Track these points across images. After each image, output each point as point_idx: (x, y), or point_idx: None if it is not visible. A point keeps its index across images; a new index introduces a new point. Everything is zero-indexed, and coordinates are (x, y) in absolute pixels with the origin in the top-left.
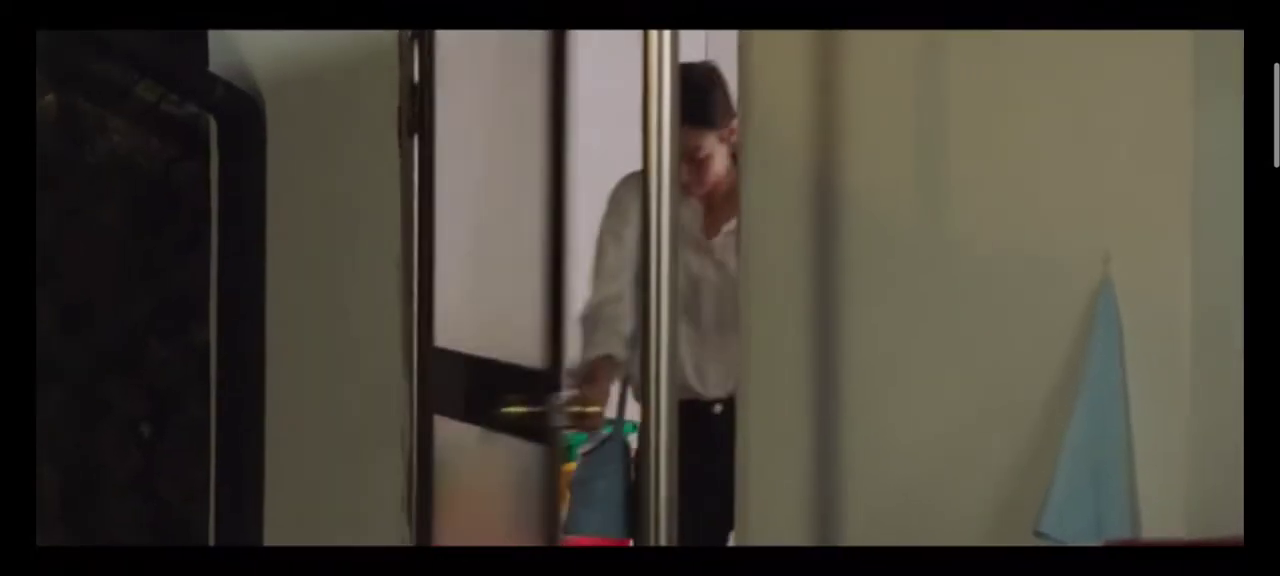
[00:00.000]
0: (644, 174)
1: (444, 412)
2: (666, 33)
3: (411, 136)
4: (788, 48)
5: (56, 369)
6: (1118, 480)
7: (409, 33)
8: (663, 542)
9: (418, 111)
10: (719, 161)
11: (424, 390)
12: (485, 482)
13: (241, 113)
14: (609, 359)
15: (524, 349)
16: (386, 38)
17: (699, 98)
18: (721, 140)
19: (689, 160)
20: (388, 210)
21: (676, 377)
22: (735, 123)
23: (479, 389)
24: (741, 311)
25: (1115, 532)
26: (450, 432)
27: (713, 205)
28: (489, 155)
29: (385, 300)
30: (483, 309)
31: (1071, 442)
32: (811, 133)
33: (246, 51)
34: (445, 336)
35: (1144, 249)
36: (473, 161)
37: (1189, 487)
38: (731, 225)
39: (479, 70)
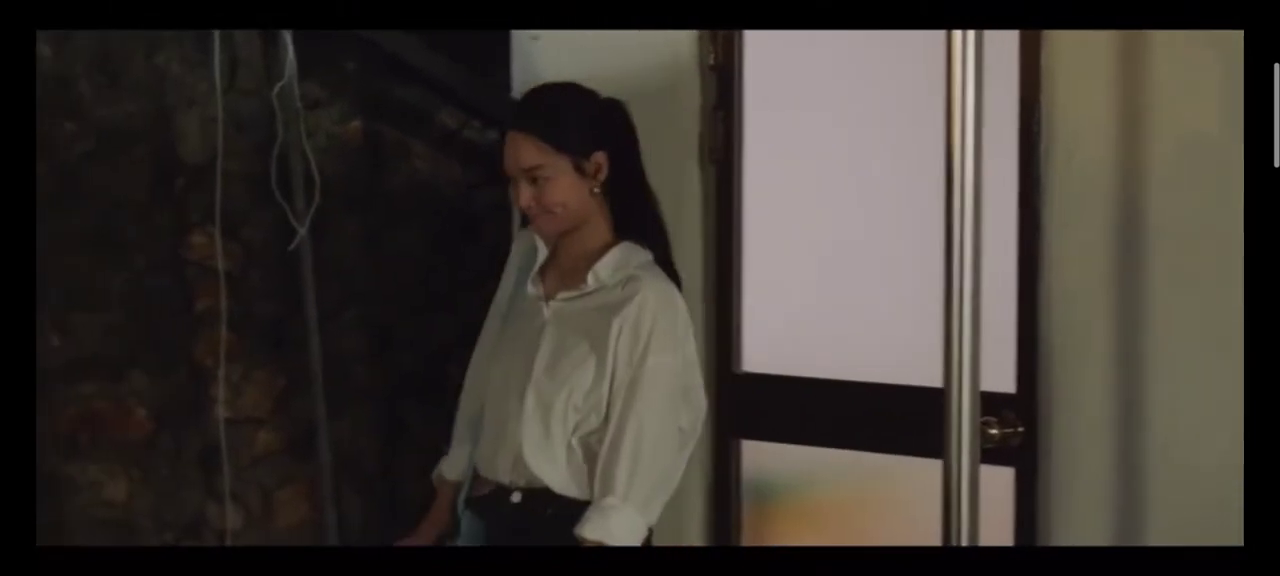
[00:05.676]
0: (947, 183)
1: (754, 436)
2: (971, 33)
3: (712, 165)
4: (1091, 77)
5: (361, 391)
6: None
7: (712, 60)
8: None
9: (720, 139)
10: (563, 190)
11: (723, 415)
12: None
13: None
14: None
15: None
16: (689, 64)
17: (546, 112)
18: (576, 168)
19: (528, 176)
20: (691, 238)
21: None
22: (599, 159)
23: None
24: (1042, 356)
25: None
26: (765, 455)
27: (567, 259)
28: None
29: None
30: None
31: None
32: (1116, 163)
33: (549, 77)
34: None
35: None
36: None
37: None
38: (570, 293)
39: (784, 94)
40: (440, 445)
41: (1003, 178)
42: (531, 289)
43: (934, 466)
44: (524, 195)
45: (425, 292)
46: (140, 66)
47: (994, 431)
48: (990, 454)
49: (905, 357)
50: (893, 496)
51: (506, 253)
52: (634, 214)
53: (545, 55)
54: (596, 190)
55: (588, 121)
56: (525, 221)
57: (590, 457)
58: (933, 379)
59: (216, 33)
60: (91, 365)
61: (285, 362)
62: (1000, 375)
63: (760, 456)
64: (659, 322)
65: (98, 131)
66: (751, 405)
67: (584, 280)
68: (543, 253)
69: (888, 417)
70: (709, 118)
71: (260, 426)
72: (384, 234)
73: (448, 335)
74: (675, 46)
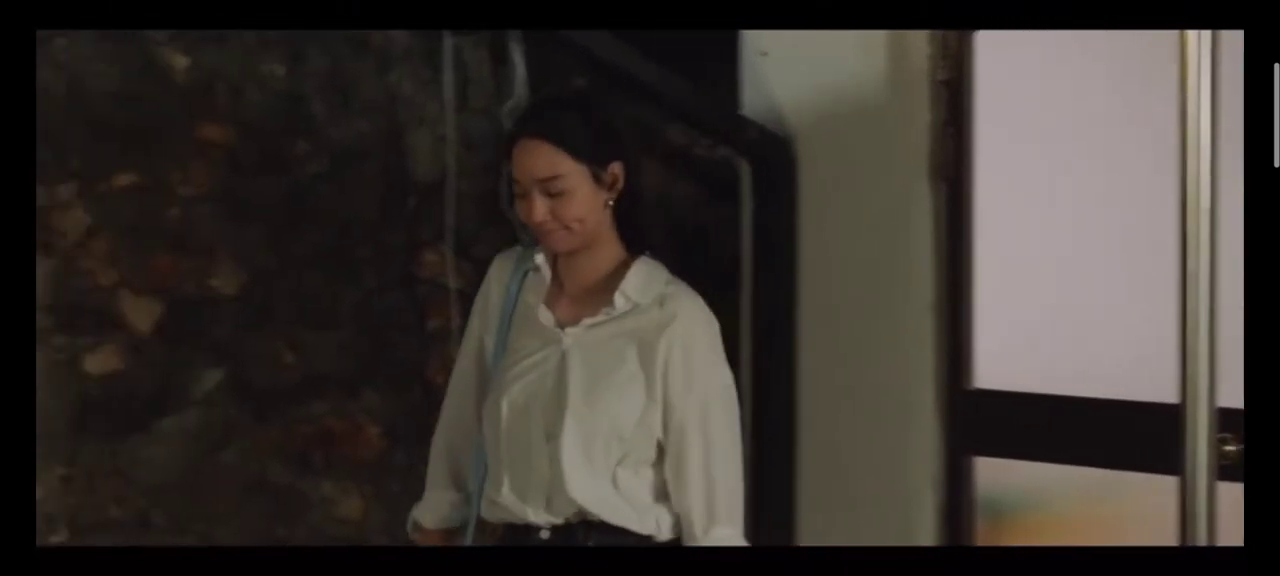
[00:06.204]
0: (1181, 194)
1: (986, 452)
2: (1206, 34)
3: (943, 180)
4: None
5: None
6: None
7: (942, 75)
8: None
9: (950, 155)
10: (582, 203)
11: (955, 432)
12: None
13: (774, 156)
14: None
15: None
16: (919, 80)
17: (563, 118)
18: (594, 178)
19: (544, 187)
20: (920, 254)
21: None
22: (615, 170)
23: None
24: None
25: None
26: (998, 471)
27: (574, 283)
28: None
29: (919, 343)
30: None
31: None
32: None
33: (778, 95)
34: (987, 378)
35: None
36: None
37: None
38: (595, 318)
39: (1014, 109)
40: None
41: (1238, 187)
42: (543, 317)
43: (1170, 483)
44: (539, 209)
45: None
46: (372, 86)
47: (1231, 448)
48: (1227, 470)
49: (1140, 373)
50: (1128, 513)
51: (733, 267)
52: (645, 229)
53: (774, 71)
54: (610, 203)
55: (604, 128)
56: (527, 241)
57: (643, 488)
58: (1168, 394)
59: (447, 46)
60: (324, 383)
61: None
62: (1238, 390)
63: (993, 473)
64: (710, 339)
65: (331, 151)
66: (983, 421)
67: (610, 302)
68: (547, 276)
69: (1123, 433)
70: (938, 134)
71: None
72: None
73: None
74: (904, 62)
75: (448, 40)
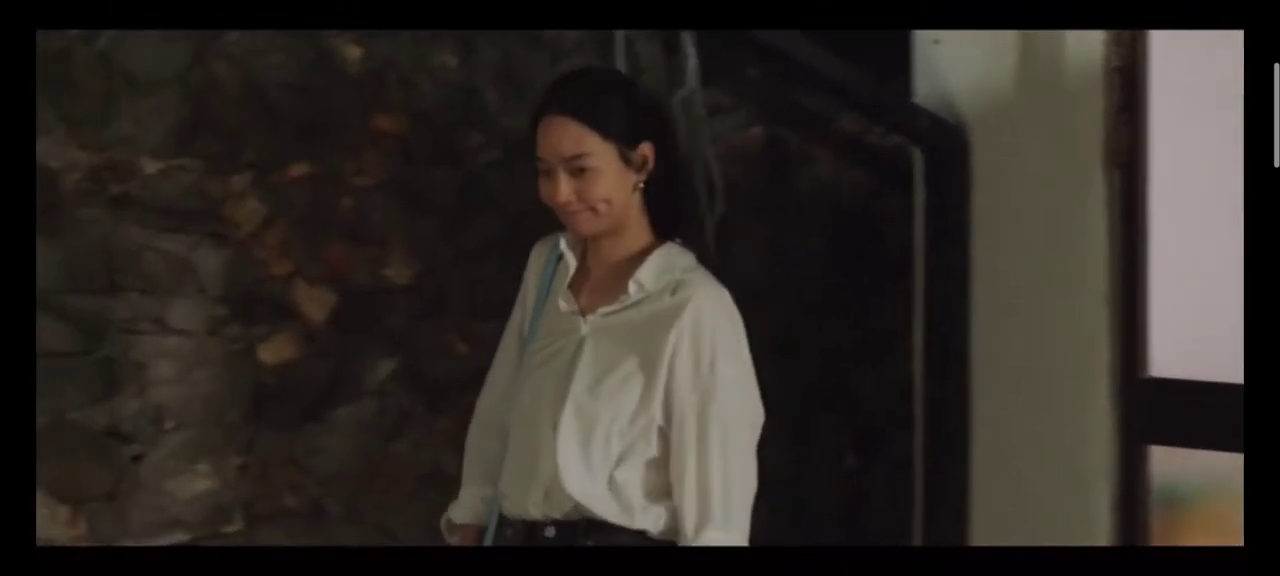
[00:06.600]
0: None
1: (1162, 442)
2: None
3: (1117, 168)
4: None
5: (766, 400)
6: None
7: (1116, 62)
8: None
9: (1124, 143)
10: (609, 184)
11: (1130, 421)
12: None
13: (946, 144)
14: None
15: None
16: (1093, 67)
17: (591, 96)
18: (622, 159)
19: (570, 166)
20: (1094, 242)
21: None
22: (645, 151)
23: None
24: None
25: None
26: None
27: (600, 269)
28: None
29: (1094, 332)
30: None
31: None
32: None
33: (951, 82)
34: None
35: None
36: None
37: None
38: (611, 307)
39: (1189, 95)
40: (843, 453)
41: None
42: (565, 305)
43: None
44: (564, 189)
45: (828, 298)
46: (545, 77)
47: None
48: None
49: None
50: None
51: (905, 255)
52: (676, 214)
53: (946, 57)
54: (640, 186)
55: (633, 108)
56: (559, 228)
57: (642, 485)
58: None
59: (619, 38)
60: None
61: None
62: None
63: (1170, 463)
64: (721, 331)
65: (504, 141)
66: (1160, 410)
67: (625, 290)
68: (572, 262)
69: None
70: (1112, 121)
71: None
72: (787, 240)
73: (850, 341)
74: (1078, 49)
75: (619, 32)
